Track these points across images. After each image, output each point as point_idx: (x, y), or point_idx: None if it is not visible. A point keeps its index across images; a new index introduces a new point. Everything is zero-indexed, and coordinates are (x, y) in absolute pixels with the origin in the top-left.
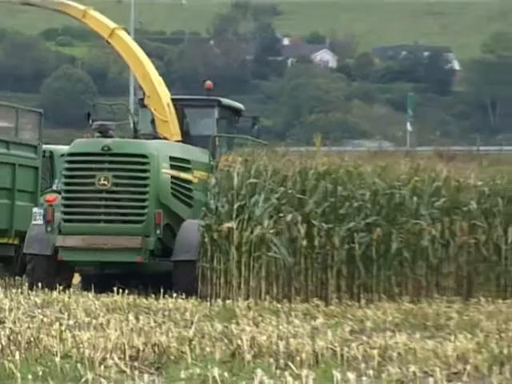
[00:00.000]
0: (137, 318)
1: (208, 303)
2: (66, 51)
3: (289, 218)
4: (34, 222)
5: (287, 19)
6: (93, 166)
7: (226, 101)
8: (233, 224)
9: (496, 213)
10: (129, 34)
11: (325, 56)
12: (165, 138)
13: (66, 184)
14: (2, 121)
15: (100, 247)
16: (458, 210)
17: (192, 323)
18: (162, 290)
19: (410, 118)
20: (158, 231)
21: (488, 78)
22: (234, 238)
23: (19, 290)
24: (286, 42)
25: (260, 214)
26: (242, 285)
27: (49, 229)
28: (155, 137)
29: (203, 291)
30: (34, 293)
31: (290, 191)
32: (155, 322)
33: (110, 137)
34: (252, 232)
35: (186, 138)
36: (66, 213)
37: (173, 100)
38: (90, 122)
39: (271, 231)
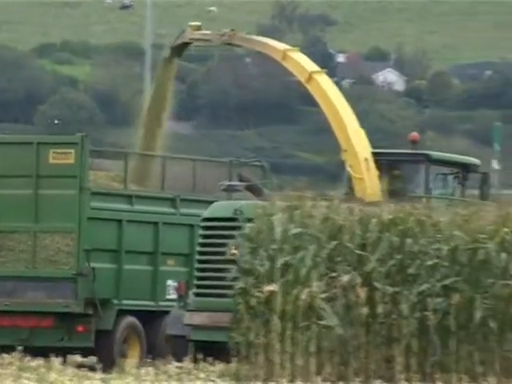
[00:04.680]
0: None
1: None
2: (64, 70)
3: (345, 279)
4: (167, 296)
5: (342, 31)
6: (224, 232)
7: (437, 154)
8: (275, 287)
9: None
10: (147, 48)
11: (389, 76)
12: (360, 199)
13: (199, 253)
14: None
15: (224, 326)
16: None
17: None
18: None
19: (496, 153)
20: None
21: None
22: (277, 305)
23: None
24: (340, 58)
25: (308, 274)
26: (287, 363)
27: (181, 304)
28: (350, 197)
29: (239, 371)
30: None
31: (347, 245)
32: None
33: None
34: (298, 297)
35: (393, 198)
36: (196, 286)
37: (374, 154)
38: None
39: (322, 296)
